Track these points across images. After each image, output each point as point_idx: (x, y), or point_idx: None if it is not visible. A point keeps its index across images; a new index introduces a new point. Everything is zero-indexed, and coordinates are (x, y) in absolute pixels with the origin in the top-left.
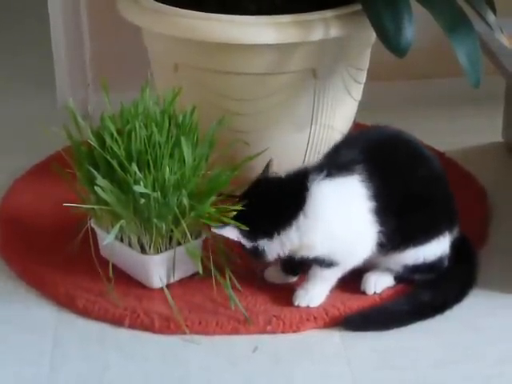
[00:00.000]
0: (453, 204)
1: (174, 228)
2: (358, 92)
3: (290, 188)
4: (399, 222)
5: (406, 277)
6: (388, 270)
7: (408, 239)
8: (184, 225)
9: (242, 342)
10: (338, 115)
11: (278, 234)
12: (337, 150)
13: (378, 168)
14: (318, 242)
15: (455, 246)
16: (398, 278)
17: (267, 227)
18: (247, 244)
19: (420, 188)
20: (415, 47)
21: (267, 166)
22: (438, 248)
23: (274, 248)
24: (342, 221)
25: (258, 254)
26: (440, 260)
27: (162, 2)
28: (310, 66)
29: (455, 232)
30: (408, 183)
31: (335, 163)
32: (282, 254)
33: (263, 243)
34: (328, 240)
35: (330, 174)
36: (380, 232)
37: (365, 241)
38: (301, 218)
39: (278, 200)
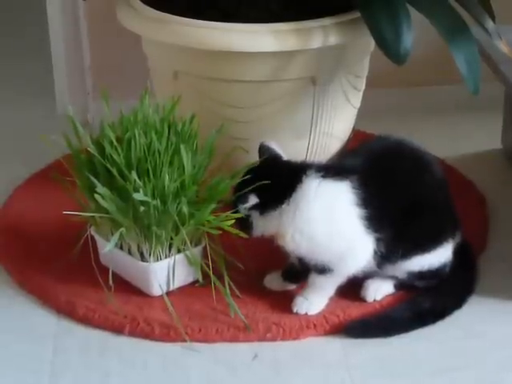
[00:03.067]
0: (455, 210)
1: (173, 236)
2: (357, 99)
3: (287, 175)
4: (406, 230)
5: (409, 284)
6: (391, 277)
7: (415, 246)
8: (184, 232)
9: (241, 350)
10: (337, 122)
11: (264, 212)
12: (342, 156)
13: (379, 177)
14: (289, 233)
15: (455, 253)
16: (400, 285)
17: (261, 202)
18: (242, 210)
19: (426, 195)
20: (414, 54)
21: (263, 150)
22: (442, 254)
23: (261, 225)
24: (321, 222)
25: (246, 225)
26: (444, 266)
27: (162, 11)
28: (310, 74)
29: (457, 238)
30: (414, 191)
31: (334, 167)
32: (265, 234)
33: (254, 216)
34: (302, 237)
35: (324, 175)
36: (378, 240)
37: (357, 249)
38: (284, 205)
39: (275, 182)
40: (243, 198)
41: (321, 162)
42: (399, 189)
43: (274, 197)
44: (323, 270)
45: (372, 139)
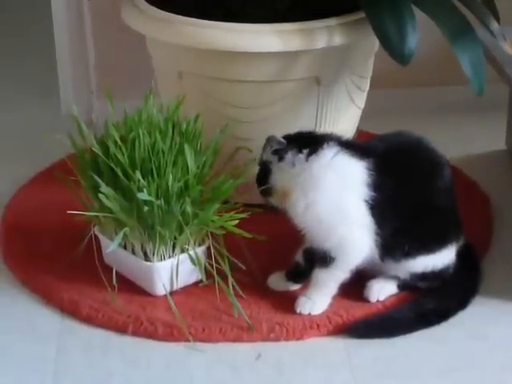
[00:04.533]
0: (459, 212)
1: (177, 235)
2: (361, 99)
3: (313, 138)
4: (411, 227)
5: (412, 284)
6: (394, 277)
7: (420, 246)
8: (187, 232)
9: (245, 350)
10: (341, 122)
11: (283, 160)
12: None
13: (393, 169)
14: (295, 192)
15: (459, 254)
16: (403, 286)
17: (288, 144)
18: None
19: (436, 196)
20: (419, 55)
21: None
22: (446, 256)
23: (277, 173)
24: (328, 192)
25: (266, 171)
26: (447, 268)
27: (166, 10)
28: (314, 74)
29: (461, 240)
30: (425, 191)
31: (355, 145)
32: (277, 187)
33: (274, 162)
34: (305, 200)
35: (345, 150)
36: (380, 229)
37: (357, 234)
38: (302, 158)
39: (302, 138)
40: (273, 140)
41: (345, 138)
42: (411, 185)
43: (298, 147)
44: (325, 260)
45: (392, 133)
